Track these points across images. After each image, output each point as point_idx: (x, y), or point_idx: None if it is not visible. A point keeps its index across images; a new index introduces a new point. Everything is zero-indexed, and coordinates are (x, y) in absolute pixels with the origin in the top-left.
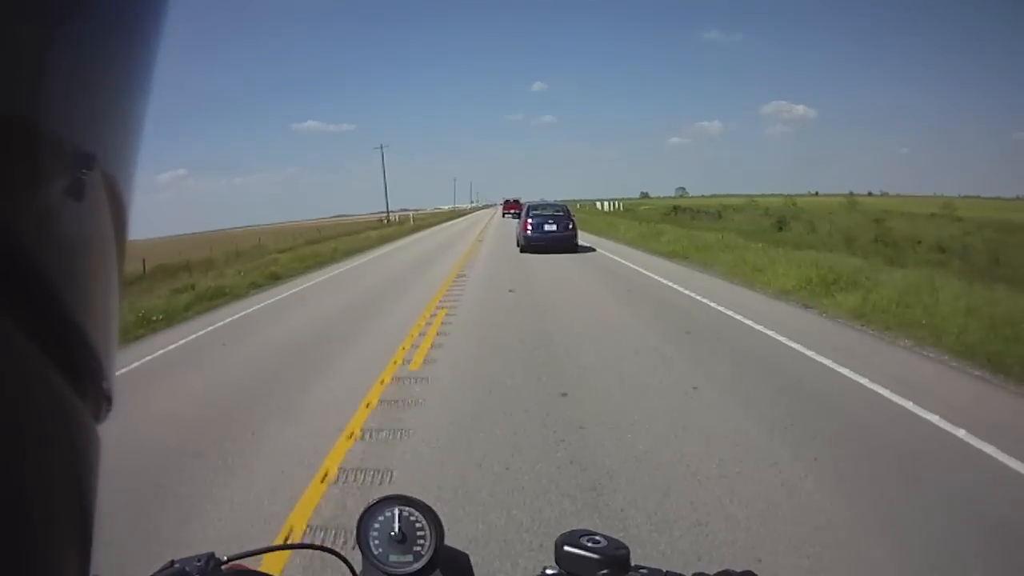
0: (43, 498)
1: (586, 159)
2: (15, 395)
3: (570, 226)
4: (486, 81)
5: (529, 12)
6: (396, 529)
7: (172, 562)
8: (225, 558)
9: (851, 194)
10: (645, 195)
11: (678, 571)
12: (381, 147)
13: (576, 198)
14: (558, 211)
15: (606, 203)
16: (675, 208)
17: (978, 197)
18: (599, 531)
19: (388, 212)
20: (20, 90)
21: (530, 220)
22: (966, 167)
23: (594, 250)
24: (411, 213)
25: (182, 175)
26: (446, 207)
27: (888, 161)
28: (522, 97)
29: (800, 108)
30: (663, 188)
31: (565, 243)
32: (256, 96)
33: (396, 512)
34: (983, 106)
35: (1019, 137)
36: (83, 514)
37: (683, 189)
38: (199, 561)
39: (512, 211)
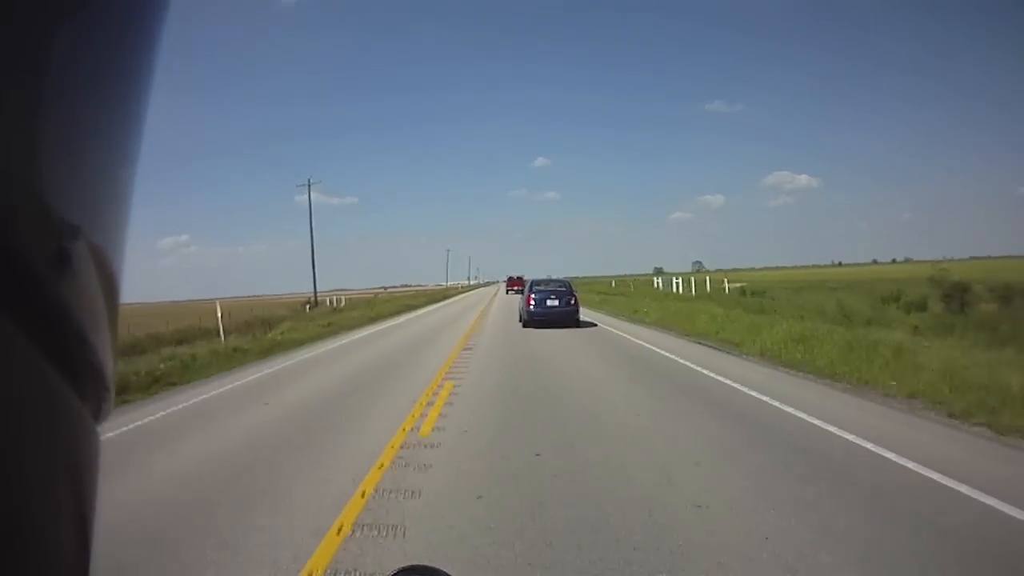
0: (43, 497)
1: (590, 235)
2: (15, 395)
3: (572, 301)
4: (488, 158)
5: (530, 90)
6: None
7: None
8: None
9: (875, 262)
10: (659, 270)
11: None
12: (308, 183)
13: (583, 275)
14: (560, 287)
15: (677, 279)
16: (743, 291)
17: (990, 257)
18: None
19: (316, 293)
20: (17, 124)
21: (533, 296)
22: (986, 228)
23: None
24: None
25: (184, 241)
26: (435, 284)
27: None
28: (525, 173)
29: (803, 178)
30: (676, 263)
31: (567, 318)
32: (258, 169)
33: None
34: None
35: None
36: (83, 513)
37: (700, 263)
38: None
39: (515, 288)
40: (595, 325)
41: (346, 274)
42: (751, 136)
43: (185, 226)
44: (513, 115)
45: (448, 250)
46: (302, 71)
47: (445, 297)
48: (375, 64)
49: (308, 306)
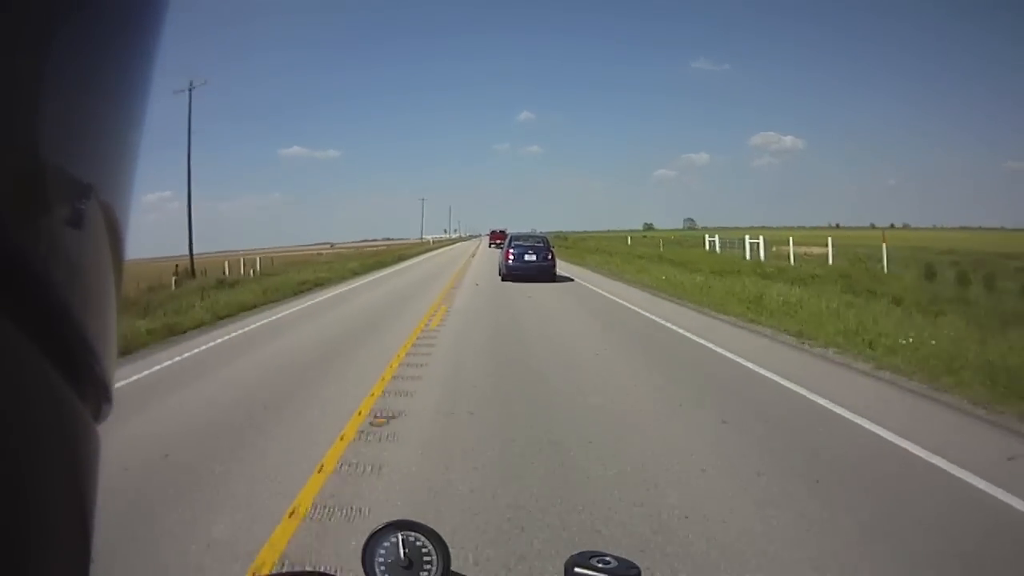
0: (43, 498)
1: (573, 189)
2: (15, 395)
3: (548, 257)
4: (473, 109)
5: (514, 37)
6: (402, 555)
7: None
8: None
9: (872, 226)
10: (650, 227)
11: None
12: (189, 86)
13: (569, 229)
14: (538, 243)
15: (756, 240)
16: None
17: (980, 228)
18: (609, 552)
19: (192, 257)
20: (19, 124)
21: (512, 250)
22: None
23: None
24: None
25: (167, 197)
26: (419, 238)
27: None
28: (509, 127)
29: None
30: (666, 219)
31: (543, 273)
32: (242, 121)
33: (401, 538)
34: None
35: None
36: (83, 514)
37: (691, 220)
38: None
39: (498, 241)
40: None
41: (329, 228)
42: (738, 96)
43: (170, 183)
44: (497, 59)
45: (423, 199)
46: (278, 18)
47: (401, 258)
48: (357, 7)
49: (176, 277)
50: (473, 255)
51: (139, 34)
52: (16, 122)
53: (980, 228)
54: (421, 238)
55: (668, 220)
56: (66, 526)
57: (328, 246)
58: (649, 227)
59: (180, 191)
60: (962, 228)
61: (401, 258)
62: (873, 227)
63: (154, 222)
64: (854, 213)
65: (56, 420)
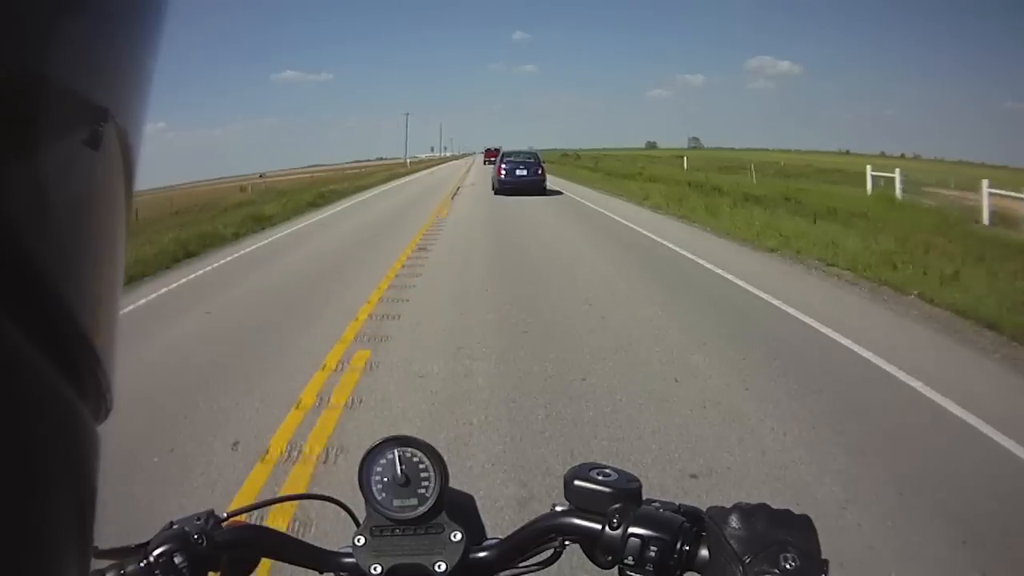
0: (42, 499)
1: (568, 108)
2: (14, 395)
3: (539, 171)
4: (467, 28)
5: None
6: (399, 472)
7: (171, 523)
8: (225, 515)
9: (883, 154)
10: (653, 145)
11: (692, 504)
12: None
13: (568, 147)
14: (529, 158)
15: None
16: None
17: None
18: (609, 464)
19: None
20: (35, 46)
21: (504, 166)
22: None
23: None
24: None
25: (162, 128)
26: (411, 158)
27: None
28: (503, 47)
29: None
30: (669, 138)
31: (534, 186)
32: (233, 46)
33: (398, 454)
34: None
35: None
36: (82, 515)
37: (697, 139)
38: (198, 520)
39: (492, 158)
40: None
41: (321, 151)
42: (734, 17)
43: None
44: None
45: (407, 114)
46: None
47: (359, 189)
48: None
49: None
50: (469, 169)
51: None
52: (33, 44)
53: (982, 163)
54: (405, 159)
55: (671, 139)
56: (66, 527)
57: (258, 176)
58: (652, 145)
59: (174, 121)
60: (983, 164)
61: (360, 189)
62: (884, 155)
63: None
64: (863, 140)
65: (56, 420)
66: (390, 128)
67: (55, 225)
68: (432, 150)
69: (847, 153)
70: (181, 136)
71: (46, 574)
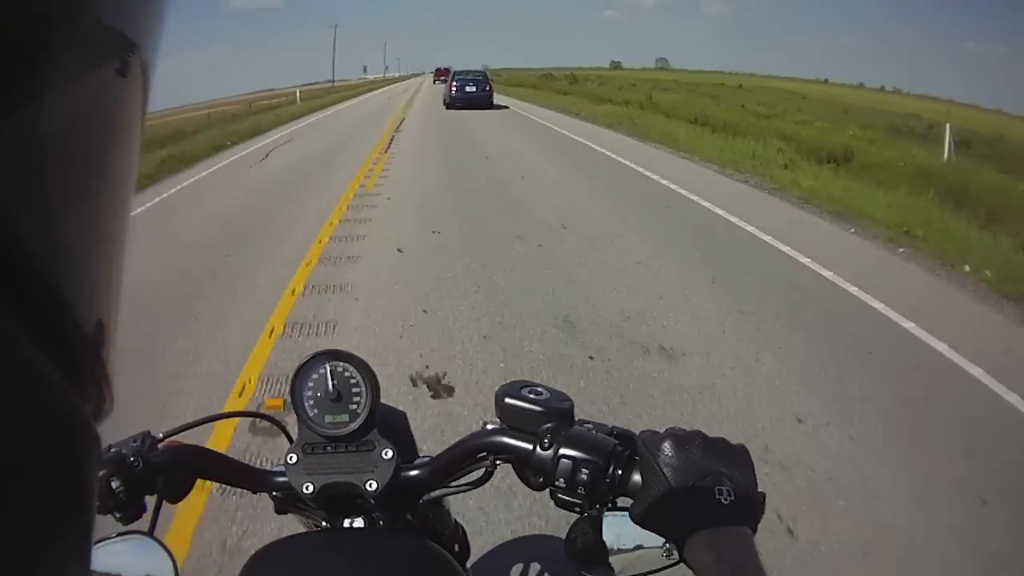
0: (41, 500)
1: (518, 27)
2: (14, 395)
3: (487, 88)
4: None
5: None
6: (330, 387)
7: (109, 447)
8: (161, 435)
9: (861, 85)
10: (617, 65)
11: (624, 427)
12: None
13: (519, 66)
14: (478, 76)
15: None
16: None
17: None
18: (540, 382)
19: None
20: None
21: (455, 83)
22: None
23: None
24: None
25: None
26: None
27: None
28: None
29: None
30: (634, 58)
31: (482, 101)
32: None
33: (329, 369)
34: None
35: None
36: (83, 515)
37: (664, 60)
38: (135, 442)
39: (442, 77)
40: None
41: (272, 75)
42: None
43: None
44: None
45: (336, 25)
46: None
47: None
48: None
49: None
50: (412, 97)
51: None
52: None
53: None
54: (332, 82)
55: (636, 59)
56: (66, 527)
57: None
58: (617, 65)
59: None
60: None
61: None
62: (862, 86)
63: None
64: (838, 70)
65: (56, 420)
66: (339, 49)
67: (57, 219)
68: (365, 71)
69: (826, 82)
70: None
71: (46, 574)
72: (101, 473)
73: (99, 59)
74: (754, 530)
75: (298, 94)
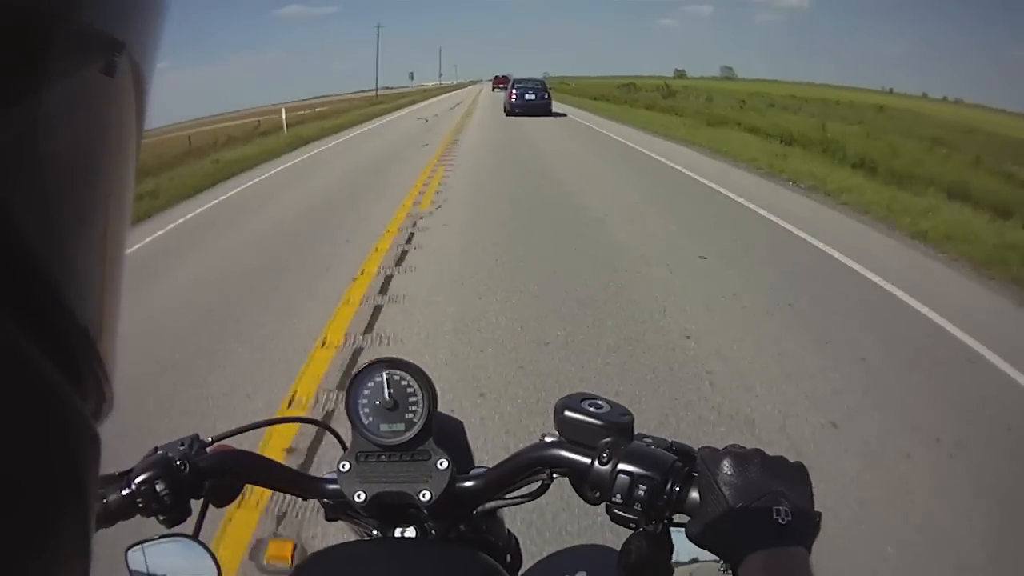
0: (41, 500)
1: (573, 37)
2: (13, 395)
3: (546, 96)
4: None
5: None
6: (387, 396)
7: (156, 449)
8: (210, 439)
9: (925, 95)
10: (681, 74)
11: (684, 442)
12: None
13: (576, 75)
14: (537, 84)
15: None
16: None
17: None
18: (601, 395)
19: None
20: None
21: (514, 91)
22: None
23: None
24: None
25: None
26: (418, 86)
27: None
28: None
29: None
30: (699, 67)
31: (541, 109)
32: None
33: (386, 377)
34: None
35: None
36: (83, 515)
37: (730, 69)
38: (183, 445)
39: (501, 85)
40: None
41: (326, 82)
42: None
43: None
44: None
45: (379, 26)
46: None
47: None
48: None
49: None
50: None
51: None
52: None
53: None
54: (376, 91)
55: (698, 67)
56: (66, 527)
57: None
58: (681, 74)
59: (175, 59)
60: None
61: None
62: (926, 96)
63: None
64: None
65: (56, 420)
66: (392, 57)
67: (56, 219)
68: (411, 77)
69: (891, 92)
70: (186, 74)
71: (45, 571)
72: (145, 476)
73: (84, 59)
74: (809, 549)
75: (283, 113)
